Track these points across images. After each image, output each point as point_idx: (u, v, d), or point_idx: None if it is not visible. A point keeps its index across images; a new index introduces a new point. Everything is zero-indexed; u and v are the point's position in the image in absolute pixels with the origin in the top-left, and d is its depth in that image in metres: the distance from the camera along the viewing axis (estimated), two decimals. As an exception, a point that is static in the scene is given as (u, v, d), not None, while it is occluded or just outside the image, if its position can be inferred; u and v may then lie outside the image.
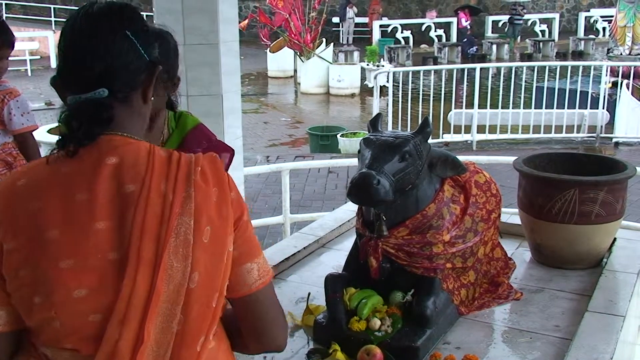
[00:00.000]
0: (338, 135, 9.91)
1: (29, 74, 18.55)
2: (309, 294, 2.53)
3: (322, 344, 2.27)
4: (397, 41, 22.28)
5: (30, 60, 19.03)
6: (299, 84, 17.37)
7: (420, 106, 9.50)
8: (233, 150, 2.60)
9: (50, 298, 1.23)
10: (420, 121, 2.39)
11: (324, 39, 17.83)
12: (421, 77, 9.97)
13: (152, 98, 1.37)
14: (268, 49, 17.49)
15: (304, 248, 3.08)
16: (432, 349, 2.25)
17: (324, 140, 10.32)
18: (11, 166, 2.74)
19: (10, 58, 3.17)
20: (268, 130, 13.26)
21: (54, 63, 20.69)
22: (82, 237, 1.23)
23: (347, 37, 23.06)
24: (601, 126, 10.06)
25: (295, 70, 18.42)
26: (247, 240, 1.36)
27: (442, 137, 10.00)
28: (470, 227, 2.51)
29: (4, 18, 3.44)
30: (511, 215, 3.31)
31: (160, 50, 1.37)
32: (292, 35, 16.60)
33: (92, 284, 1.23)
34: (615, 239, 3.00)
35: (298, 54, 17.24)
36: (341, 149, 9.73)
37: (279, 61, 18.51)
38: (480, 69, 10.15)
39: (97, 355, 1.22)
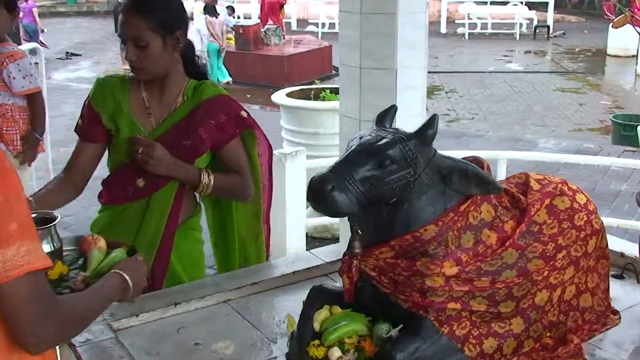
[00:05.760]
0: (638, 127, 8.58)
1: None
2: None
3: (288, 361, 1.99)
4: None
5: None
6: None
7: None
8: (270, 144, 2.54)
9: None
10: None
11: (682, 14, 15.49)
12: None
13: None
14: (611, 23, 15.84)
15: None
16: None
17: (627, 131, 9.07)
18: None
19: None
20: (580, 112, 12.11)
21: None
22: None
23: None
24: None
25: (638, 50, 16.40)
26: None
27: None
28: (513, 263, 1.93)
29: None
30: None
31: None
32: (635, 10, 14.72)
33: None
34: None
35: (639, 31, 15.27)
36: (640, 143, 8.45)
37: (622, 38, 16.65)
38: None
39: None
